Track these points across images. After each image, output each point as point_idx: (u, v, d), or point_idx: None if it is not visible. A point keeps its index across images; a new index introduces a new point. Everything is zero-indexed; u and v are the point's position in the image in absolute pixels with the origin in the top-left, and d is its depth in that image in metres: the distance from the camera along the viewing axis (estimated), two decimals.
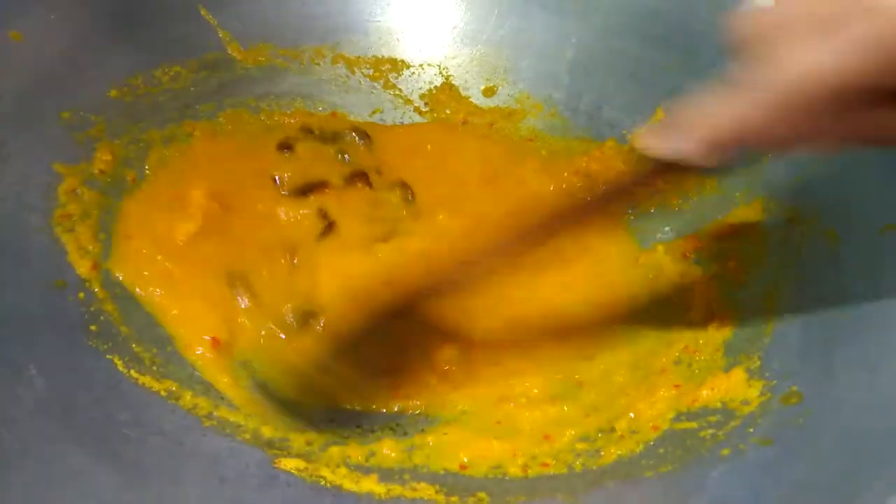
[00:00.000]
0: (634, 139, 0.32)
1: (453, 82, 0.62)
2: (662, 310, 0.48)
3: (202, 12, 0.56)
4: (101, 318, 0.42)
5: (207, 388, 0.42)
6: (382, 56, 0.61)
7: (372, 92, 0.61)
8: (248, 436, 0.40)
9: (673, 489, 0.36)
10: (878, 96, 0.28)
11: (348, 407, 0.44)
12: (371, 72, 0.61)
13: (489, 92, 0.61)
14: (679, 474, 0.36)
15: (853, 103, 0.28)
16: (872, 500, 0.29)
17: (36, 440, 0.33)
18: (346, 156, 0.56)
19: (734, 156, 0.31)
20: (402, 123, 0.60)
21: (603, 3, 0.58)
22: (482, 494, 0.38)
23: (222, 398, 0.42)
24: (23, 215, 0.43)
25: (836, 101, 0.28)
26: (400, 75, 0.61)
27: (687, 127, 0.31)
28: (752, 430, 0.37)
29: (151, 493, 0.34)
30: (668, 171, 0.33)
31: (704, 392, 0.41)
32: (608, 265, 0.52)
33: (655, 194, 0.37)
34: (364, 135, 0.57)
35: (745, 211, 0.49)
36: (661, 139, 0.32)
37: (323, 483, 0.38)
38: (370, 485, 0.38)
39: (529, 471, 0.40)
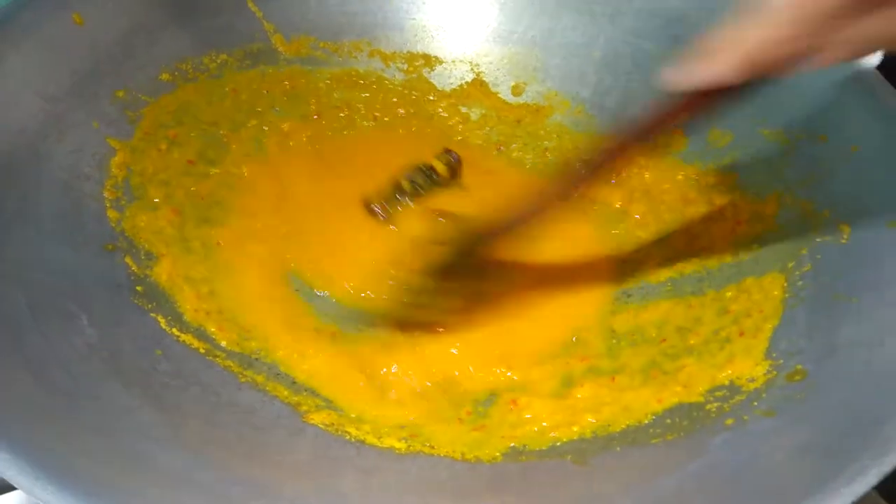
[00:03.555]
0: (663, 77, 0.36)
1: (484, 79, 0.64)
2: None
3: (249, 4, 0.59)
4: (147, 280, 0.45)
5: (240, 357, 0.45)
6: (417, 52, 0.64)
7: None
8: (278, 393, 0.43)
9: (677, 452, 0.37)
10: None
11: None
12: (405, 66, 0.64)
13: (518, 89, 0.64)
14: (684, 441, 0.38)
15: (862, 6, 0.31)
16: (867, 461, 0.31)
17: (87, 379, 0.36)
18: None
19: (761, 74, 0.33)
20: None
21: (631, 5, 0.60)
22: (496, 454, 0.40)
23: (251, 364, 0.45)
24: (78, 183, 0.46)
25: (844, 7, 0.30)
26: (433, 70, 0.64)
27: (714, 52, 0.33)
28: (756, 403, 0.39)
29: (191, 431, 0.36)
30: (697, 100, 0.36)
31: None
32: None
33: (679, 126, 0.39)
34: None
35: (762, 205, 0.51)
36: (690, 69, 0.35)
37: (348, 437, 0.40)
38: (391, 441, 0.40)
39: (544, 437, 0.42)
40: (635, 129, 0.40)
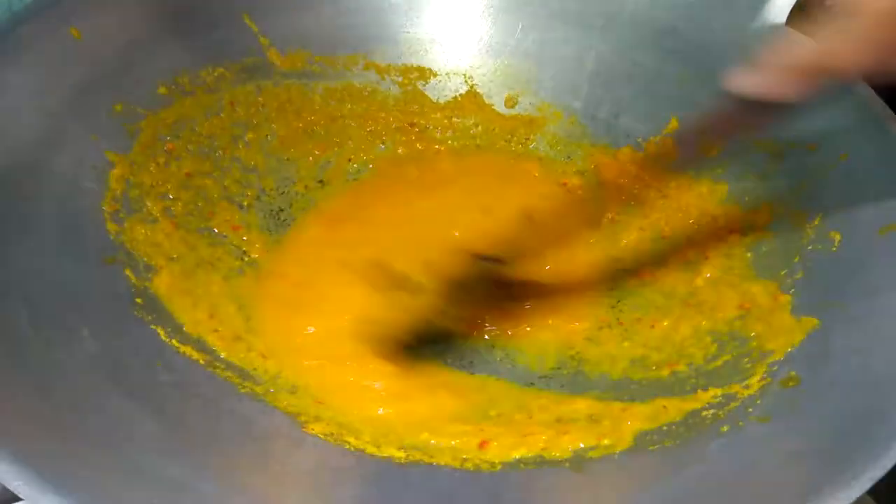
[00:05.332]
0: (726, 80, 0.36)
1: (478, 91, 0.65)
2: None
3: (245, 19, 0.59)
4: (146, 293, 0.46)
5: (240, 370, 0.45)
6: (411, 64, 0.64)
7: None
8: (277, 404, 0.43)
9: (674, 459, 0.38)
10: None
11: None
12: (400, 79, 0.64)
13: (511, 101, 0.64)
14: (680, 447, 0.39)
15: None
16: (861, 465, 0.32)
17: (89, 391, 0.36)
18: None
19: (818, 88, 0.34)
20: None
21: (623, 18, 0.61)
22: (496, 462, 0.40)
23: (250, 375, 0.45)
24: (78, 196, 0.46)
25: None
26: (427, 83, 0.65)
27: (778, 64, 0.34)
28: (751, 409, 0.39)
29: (193, 441, 0.37)
30: (754, 110, 0.36)
31: None
32: None
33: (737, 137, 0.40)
34: None
35: (754, 214, 0.52)
36: (752, 78, 0.35)
37: (347, 447, 0.41)
38: (391, 450, 0.41)
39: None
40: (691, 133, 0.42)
